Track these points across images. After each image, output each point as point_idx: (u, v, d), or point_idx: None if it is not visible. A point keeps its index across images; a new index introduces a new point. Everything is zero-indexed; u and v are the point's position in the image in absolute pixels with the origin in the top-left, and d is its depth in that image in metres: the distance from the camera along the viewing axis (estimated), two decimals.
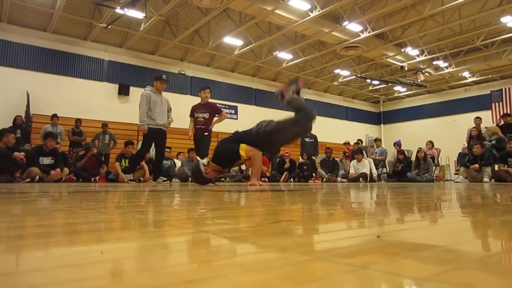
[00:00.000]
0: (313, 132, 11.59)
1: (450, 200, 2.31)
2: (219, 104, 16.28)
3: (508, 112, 14.70)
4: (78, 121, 10.65)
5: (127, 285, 0.40)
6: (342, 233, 0.85)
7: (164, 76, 7.32)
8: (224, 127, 14.92)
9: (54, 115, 10.14)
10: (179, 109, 13.00)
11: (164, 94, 12.95)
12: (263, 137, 4.53)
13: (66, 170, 7.72)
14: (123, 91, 13.17)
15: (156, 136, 7.07)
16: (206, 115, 7.44)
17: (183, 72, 14.78)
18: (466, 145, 10.69)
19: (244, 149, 4.42)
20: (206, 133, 7.39)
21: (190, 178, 9.39)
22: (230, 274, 0.44)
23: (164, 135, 7.22)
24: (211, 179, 5.01)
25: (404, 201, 2.10)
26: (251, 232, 0.78)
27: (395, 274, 0.45)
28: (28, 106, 10.98)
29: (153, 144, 7.49)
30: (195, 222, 0.98)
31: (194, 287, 0.39)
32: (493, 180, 8.96)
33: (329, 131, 16.37)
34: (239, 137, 4.68)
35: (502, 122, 10.88)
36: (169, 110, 7.42)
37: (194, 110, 7.50)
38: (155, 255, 0.55)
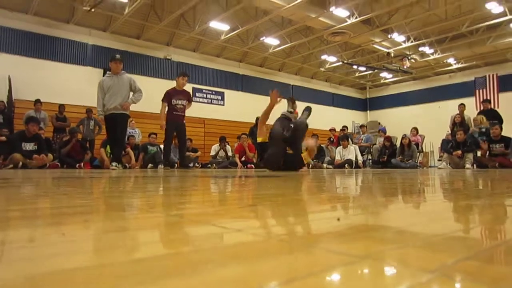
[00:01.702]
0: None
1: (425, 185, 2.38)
2: (205, 90, 16.29)
3: (491, 98, 14.95)
4: (62, 106, 10.50)
5: (79, 263, 0.42)
6: (306, 216, 0.88)
7: (117, 56, 6.85)
8: (211, 113, 14.96)
9: (37, 101, 9.97)
10: None
11: (151, 80, 12.75)
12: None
13: (50, 156, 7.65)
14: None
15: (112, 122, 6.59)
16: (185, 102, 7.40)
17: (169, 58, 14.62)
18: (450, 131, 10.86)
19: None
20: (184, 121, 7.37)
21: (176, 165, 9.39)
22: (178, 251, 0.46)
23: (119, 119, 6.59)
24: None
25: (381, 186, 2.16)
26: (216, 215, 0.81)
27: (339, 252, 0.48)
28: (10, 91, 10.76)
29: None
30: (167, 207, 1.00)
31: (142, 265, 0.41)
32: (475, 166, 9.15)
33: (315, 117, 16.41)
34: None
35: (482, 108, 11.05)
36: (134, 90, 6.78)
37: (171, 95, 7.29)
38: (112, 236, 0.58)
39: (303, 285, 0.35)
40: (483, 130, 9.63)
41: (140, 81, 13.00)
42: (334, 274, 0.39)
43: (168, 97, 7.30)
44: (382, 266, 0.43)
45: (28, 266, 0.42)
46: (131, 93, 6.77)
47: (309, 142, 5.88)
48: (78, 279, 0.36)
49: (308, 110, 6.23)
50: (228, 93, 16.20)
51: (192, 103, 7.85)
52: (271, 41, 14.68)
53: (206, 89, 15.23)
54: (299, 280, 0.36)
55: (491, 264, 0.46)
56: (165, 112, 7.24)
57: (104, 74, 12.91)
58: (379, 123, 15.71)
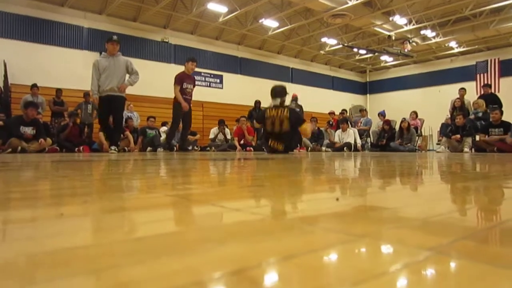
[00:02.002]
0: (299, 101, 11.66)
1: (424, 168, 2.39)
2: (204, 73, 16.15)
3: (492, 83, 14.87)
4: (59, 91, 10.42)
5: (79, 242, 0.43)
6: (305, 196, 0.88)
7: (114, 37, 6.71)
8: (209, 96, 14.88)
9: (34, 85, 9.89)
10: (162, 78, 12.82)
11: (148, 63, 12.66)
12: None
13: (49, 140, 7.64)
14: None
15: (108, 103, 6.47)
16: (192, 87, 7.54)
17: (166, 40, 14.46)
18: (450, 116, 10.84)
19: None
20: (191, 105, 7.47)
21: (175, 148, 9.40)
22: (178, 230, 0.47)
23: (116, 101, 6.51)
24: None
25: (379, 169, 2.16)
26: (215, 195, 0.81)
27: (337, 231, 0.49)
28: (5, 76, 10.65)
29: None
30: (165, 187, 1.00)
31: (141, 243, 0.41)
32: (473, 151, 9.17)
33: (314, 100, 16.37)
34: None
35: (482, 92, 11.01)
36: (131, 72, 6.67)
37: (183, 79, 7.38)
38: (112, 216, 0.58)
39: (302, 262, 0.35)
40: (479, 114, 9.63)
41: (137, 64, 12.82)
42: (332, 252, 0.39)
43: (180, 80, 7.35)
44: (380, 244, 0.43)
45: (29, 245, 0.42)
46: (127, 75, 6.67)
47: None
48: (78, 257, 0.36)
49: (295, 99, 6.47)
50: (226, 76, 16.08)
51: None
52: (270, 23, 14.49)
53: (204, 72, 15.09)
54: (298, 257, 0.36)
55: (487, 244, 0.46)
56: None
57: None
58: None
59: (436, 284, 0.30)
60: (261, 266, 0.33)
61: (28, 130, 7.28)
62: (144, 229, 0.51)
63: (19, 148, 6.79)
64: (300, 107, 11.80)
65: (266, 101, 14.36)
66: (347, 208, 0.69)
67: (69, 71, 12.05)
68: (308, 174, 1.68)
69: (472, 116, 9.75)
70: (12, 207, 0.70)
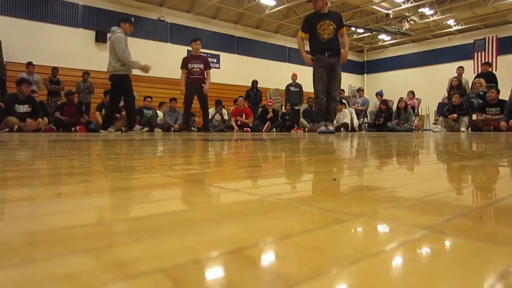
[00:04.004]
0: (297, 81, 11.60)
1: (420, 148, 2.39)
2: (200, 52, 15.99)
3: (490, 61, 14.78)
4: (55, 69, 10.31)
5: (77, 221, 0.43)
6: (302, 177, 0.89)
7: (132, 19, 6.83)
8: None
9: (29, 63, 9.78)
10: (159, 58, 12.69)
11: (143, 41, 12.50)
12: None
13: (45, 119, 7.61)
14: (101, 38, 12.66)
15: (128, 82, 6.63)
16: (202, 66, 7.60)
17: (163, 19, 14.25)
18: (447, 95, 10.82)
19: None
20: (203, 84, 7.46)
21: (172, 128, 9.37)
22: (175, 210, 0.47)
23: (127, 80, 6.68)
24: None
25: (375, 148, 2.17)
26: (213, 176, 0.81)
27: (333, 210, 0.49)
28: (0, 53, 10.53)
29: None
30: (162, 168, 1.00)
31: (138, 223, 0.41)
32: (469, 130, 9.19)
33: (310, 80, 16.28)
34: None
35: (480, 70, 10.95)
36: None
37: (188, 61, 7.51)
38: (109, 196, 0.58)
39: (299, 241, 0.35)
40: (481, 93, 9.59)
41: (133, 43, 12.70)
42: (329, 231, 0.39)
43: (185, 62, 7.51)
44: (376, 223, 0.43)
45: (27, 223, 0.42)
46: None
47: None
48: (76, 236, 0.36)
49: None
50: (223, 55, 15.92)
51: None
52: (268, 1, 14.28)
53: (201, 52, 14.96)
54: (294, 237, 0.36)
55: (484, 222, 0.46)
56: (185, 78, 7.39)
57: (96, 36, 12.65)
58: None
59: (432, 261, 0.31)
60: (258, 246, 0.34)
61: (24, 108, 7.22)
62: (141, 209, 0.51)
63: (16, 127, 6.75)
64: (300, 86, 11.76)
65: (264, 81, 14.32)
66: (344, 188, 0.69)
67: (65, 49, 11.90)
68: (305, 155, 1.69)
69: (474, 96, 9.69)
70: (10, 185, 0.69)
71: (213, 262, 0.30)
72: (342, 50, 6.45)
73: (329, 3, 6.41)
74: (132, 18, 6.89)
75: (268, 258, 0.32)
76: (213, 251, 0.32)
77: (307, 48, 6.44)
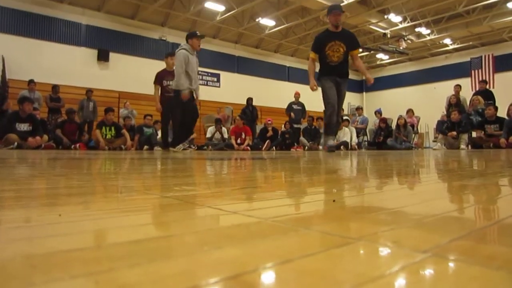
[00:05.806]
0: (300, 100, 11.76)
1: (420, 167, 2.39)
2: (201, 71, 16.09)
3: (486, 79, 14.91)
4: (56, 87, 10.37)
5: (76, 244, 0.42)
6: (301, 198, 0.88)
7: (198, 32, 6.46)
8: (206, 95, 14.85)
9: (31, 81, 9.86)
10: None
11: (146, 61, 12.59)
12: None
13: (45, 137, 7.63)
14: (103, 57, 12.81)
15: (189, 101, 6.10)
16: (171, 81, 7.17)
17: (164, 38, 14.43)
18: (445, 112, 10.87)
19: None
20: None
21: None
22: (174, 233, 0.47)
23: (193, 100, 6.19)
24: None
25: (374, 168, 2.17)
26: (212, 197, 0.81)
27: (332, 234, 0.49)
28: (3, 70, 10.62)
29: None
30: (162, 188, 1.00)
31: (138, 246, 0.41)
32: (469, 147, 9.20)
33: (311, 99, 16.38)
34: None
35: (478, 88, 11.03)
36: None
37: (161, 77, 7.06)
38: (108, 218, 0.58)
39: (299, 266, 0.35)
40: (480, 110, 9.64)
41: (135, 62, 12.92)
42: (329, 255, 0.39)
43: (159, 78, 7.10)
44: (376, 247, 0.43)
45: (25, 246, 0.42)
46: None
47: None
48: (75, 260, 0.36)
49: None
50: (223, 74, 16.07)
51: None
52: (267, 22, 14.50)
53: (201, 71, 15.07)
54: (294, 261, 0.36)
55: (484, 244, 0.46)
56: (159, 95, 7.05)
57: (98, 54, 12.79)
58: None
59: (432, 286, 0.31)
60: (257, 270, 0.34)
61: (24, 127, 7.24)
62: (140, 232, 0.51)
63: (15, 144, 6.76)
64: (302, 105, 11.88)
65: (261, 99, 14.41)
66: (344, 210, 0.69)
67: (67, 67, 12.02)
68: (304, 175, 1.68)
69: (473, 113, 9.73)
70: (8, 206, 0.69)
71: (213, 287, 0.30)
72: (364, 78, 6.15)
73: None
74: (198, 32, 6.44)
75: (267, 283, 0.32)
76: (213, 276, 0.32)
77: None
